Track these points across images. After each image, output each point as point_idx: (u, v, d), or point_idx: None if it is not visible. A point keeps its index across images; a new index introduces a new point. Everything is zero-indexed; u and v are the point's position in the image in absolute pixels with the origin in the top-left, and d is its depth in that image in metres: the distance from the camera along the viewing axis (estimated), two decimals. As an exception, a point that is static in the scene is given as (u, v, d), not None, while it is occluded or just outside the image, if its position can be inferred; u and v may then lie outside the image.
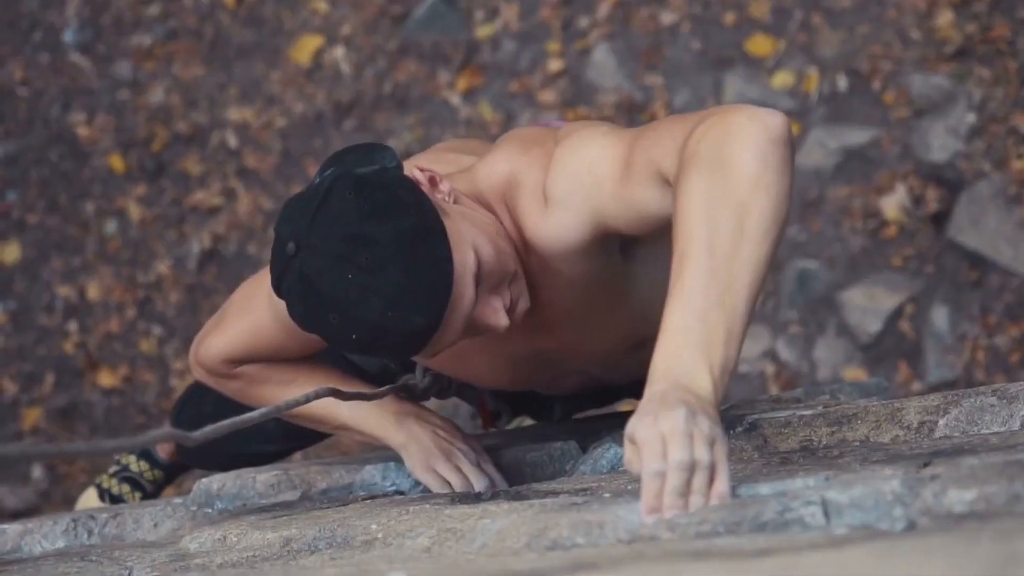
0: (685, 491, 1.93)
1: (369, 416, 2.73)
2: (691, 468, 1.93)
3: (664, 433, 1.93)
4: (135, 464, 3.55)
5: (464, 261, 2.29)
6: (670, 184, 2.21)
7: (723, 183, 2.06)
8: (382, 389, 2.65)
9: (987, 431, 2.45)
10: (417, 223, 2.26)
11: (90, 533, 2.93)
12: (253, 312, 2.69)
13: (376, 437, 2.75)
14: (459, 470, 2.68)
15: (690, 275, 2.02)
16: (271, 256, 2.35)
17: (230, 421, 2.09)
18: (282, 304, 2.43)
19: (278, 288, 2.34)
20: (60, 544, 2.92)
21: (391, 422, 2.73)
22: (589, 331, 2.60)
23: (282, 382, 2.74)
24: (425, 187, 2.36)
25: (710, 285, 2.01)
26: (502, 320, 2.36)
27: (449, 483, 2.69)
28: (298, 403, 2.35)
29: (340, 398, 2.48)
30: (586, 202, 2.35)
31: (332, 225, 2.25)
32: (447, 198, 2.38)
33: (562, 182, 2.36)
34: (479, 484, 2.65)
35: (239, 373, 2.77)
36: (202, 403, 3.26)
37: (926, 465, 2.08)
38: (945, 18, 4.73)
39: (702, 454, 1.93)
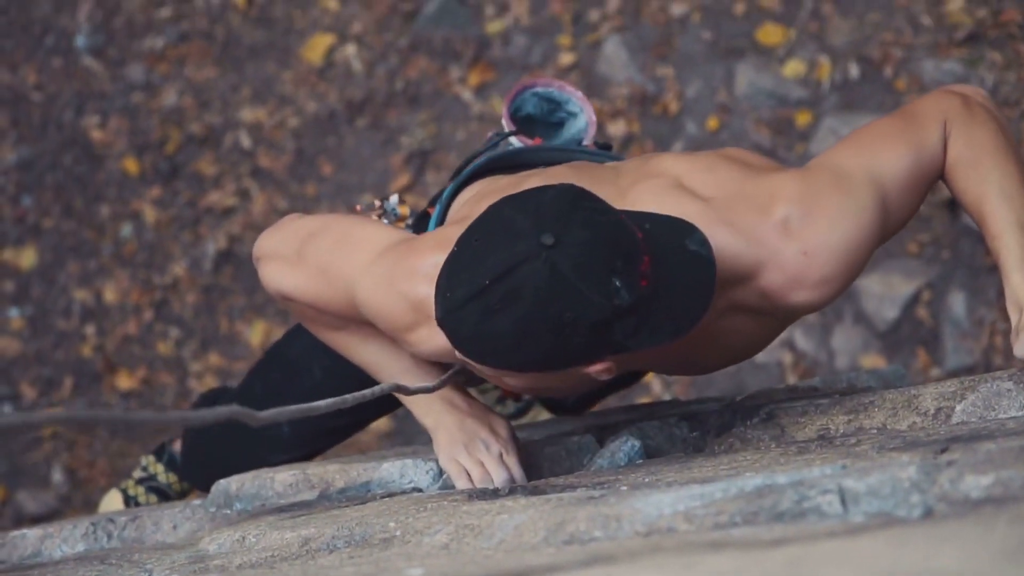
0: None
1: (415, 399, 2.72)
2: None
3: None
4: (163, 475, 3.51)
5: None
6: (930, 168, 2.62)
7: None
8: (442, 379, 2.62)
9: (1004, 416, 2.44)
10: None
11: (110, 536, 2.94)
12: (331, 284, 2.60)
13: (416, 416, 2.75)
14: (480, 463, 2.67)
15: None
16: (494, 238, 2.25)
17: (296, 407, 2.07)
18: (374, 290, 2.47)
19: (506, 273, 2.22)
20: (80, 548, 2.93)
21: (422, 405, 2.72)
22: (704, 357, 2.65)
23: (330, 326, 2.71)
24: None
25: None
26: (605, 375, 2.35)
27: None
28: (364, 397, 2.32)
29: (405, 393, 2.51)
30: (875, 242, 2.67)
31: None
32: None
33: (839, 258, 2.64)
34: (498, 477, 2.64)
35: (291, 305, 2.74)
36: (211, 450, 3.30)
37: (943, 451, 2.08)
38: (956, 3, 4.71)
39: None
